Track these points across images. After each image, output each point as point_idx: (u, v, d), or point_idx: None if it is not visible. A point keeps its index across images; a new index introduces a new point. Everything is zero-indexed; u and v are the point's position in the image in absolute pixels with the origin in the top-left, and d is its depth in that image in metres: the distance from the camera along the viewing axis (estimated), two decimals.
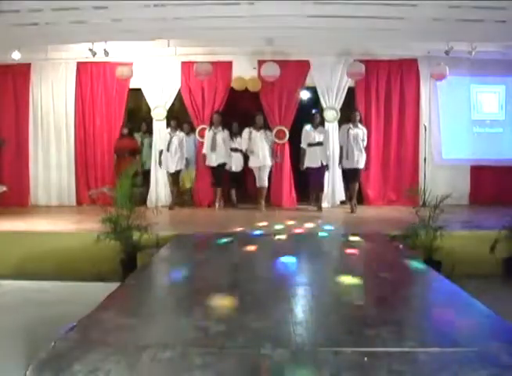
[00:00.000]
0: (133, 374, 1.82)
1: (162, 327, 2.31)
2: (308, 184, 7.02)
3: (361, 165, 6.67)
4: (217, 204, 7.01)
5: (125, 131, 7.25)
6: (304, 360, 1.91)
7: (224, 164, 6.96)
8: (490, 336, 2.15)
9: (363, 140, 6.66)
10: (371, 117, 7.28)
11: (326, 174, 6.94)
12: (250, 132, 6.81)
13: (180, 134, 7.08)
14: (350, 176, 6.79)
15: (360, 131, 6.64)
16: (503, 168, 7.42)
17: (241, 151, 6.99)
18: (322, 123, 6.95)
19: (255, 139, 6.77)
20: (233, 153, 7.04)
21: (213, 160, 6.92)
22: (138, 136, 7.52)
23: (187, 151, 7.11)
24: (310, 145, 6.62)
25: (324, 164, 6.69)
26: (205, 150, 6.96)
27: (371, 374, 1.79)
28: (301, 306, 2.69)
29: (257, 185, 6.96)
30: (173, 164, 6.99)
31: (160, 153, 7.05)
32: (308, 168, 6.69)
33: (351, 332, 2.19)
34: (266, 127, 6.99)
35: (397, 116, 7.30)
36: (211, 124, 6.99)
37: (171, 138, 6.98)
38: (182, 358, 1.92)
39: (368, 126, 7.22)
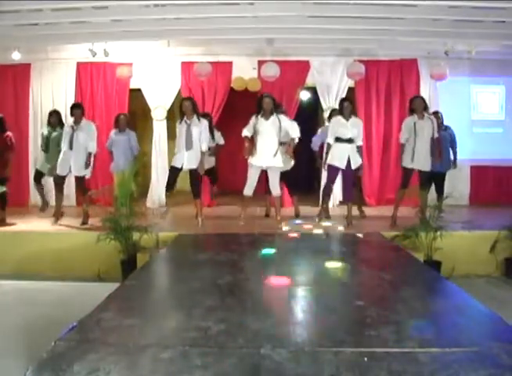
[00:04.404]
0: (133, 374, 1.82)
1: (162, 327, 2.30)
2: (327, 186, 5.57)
3: (433, 167, 5.30)
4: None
5: None
6: (304, 360, 1.91)
7: (182, 170, 5.31)
8: (490, 336, 2.15)
9: (434, 133, 5.23)
10: (371, 117, 7.28)
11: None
12: (257, 120, 5.14)
13: (90, 127, 5.69)
14: (415, 179, 5.35)
15: (429, 124, 5.21)
16: (503, 168, 7.45)
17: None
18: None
19: (262, 130, 5.09)
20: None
21: (182, 161, 5.21)
22: (45, 130, 6.11)
23: (124, 151, 6.27)
24: (338, 140, 5.26)
25: (353, 167, 5.29)
26: (176, 149, 5.33)
27: (371, 374, 1.79)
28: (300, 306, 2.68)
29: (245, 193, 5.29)
30: (76, 166, 5.58)
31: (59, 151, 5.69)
32: (331, 167, 5.33)
33: (351, 332, 2.19)
34: (279, 112, 5.32)
35: (397, 116, 7.28)
36: (182, 114, 5.29)
37: (73, 132, 5.58)
38: (182, 358, 1.92)
39: (368, 126, 7.23)
